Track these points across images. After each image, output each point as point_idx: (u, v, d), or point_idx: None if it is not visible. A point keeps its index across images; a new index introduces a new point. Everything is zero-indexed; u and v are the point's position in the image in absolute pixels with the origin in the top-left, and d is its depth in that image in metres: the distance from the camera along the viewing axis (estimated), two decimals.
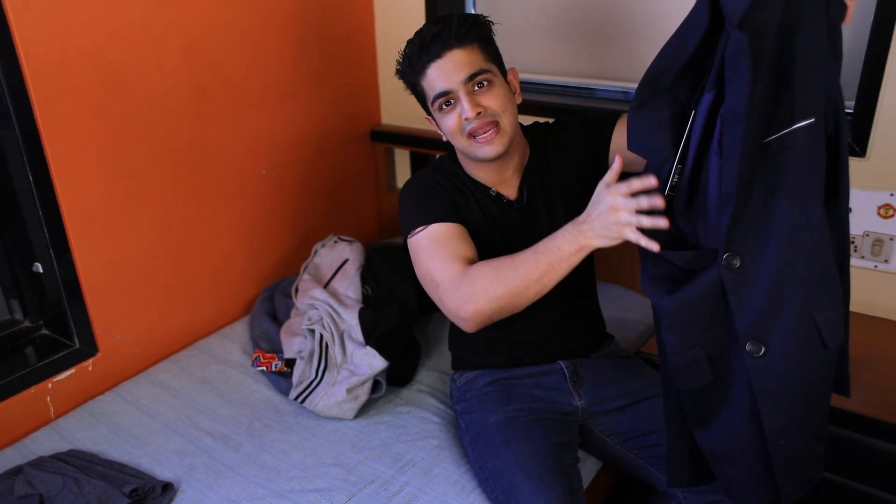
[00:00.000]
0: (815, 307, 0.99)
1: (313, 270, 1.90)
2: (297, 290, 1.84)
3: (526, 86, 2.16)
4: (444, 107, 1.30)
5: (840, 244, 1.01)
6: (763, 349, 1.00)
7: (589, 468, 1.48)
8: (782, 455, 1.06)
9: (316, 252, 1.97)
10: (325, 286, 1.80)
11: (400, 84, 1.37)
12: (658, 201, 1.02)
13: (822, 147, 0.94)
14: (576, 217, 1.17)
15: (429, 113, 1.37)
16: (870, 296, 1.72)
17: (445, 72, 1.26)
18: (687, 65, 0.97)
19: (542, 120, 1.50)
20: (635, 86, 1.03)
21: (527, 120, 1.46)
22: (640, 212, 1.04)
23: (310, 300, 1.74)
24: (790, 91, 0.92)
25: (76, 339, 1.67)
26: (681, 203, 1.02)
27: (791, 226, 0.96)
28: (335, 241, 1.97)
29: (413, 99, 1.38)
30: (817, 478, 1.12)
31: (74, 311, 1.64)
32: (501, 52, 1.35)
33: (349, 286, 1.77)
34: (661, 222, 1.02)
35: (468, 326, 1.24)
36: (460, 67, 1.26)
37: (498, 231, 1.38)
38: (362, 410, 1.59)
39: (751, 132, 0.91)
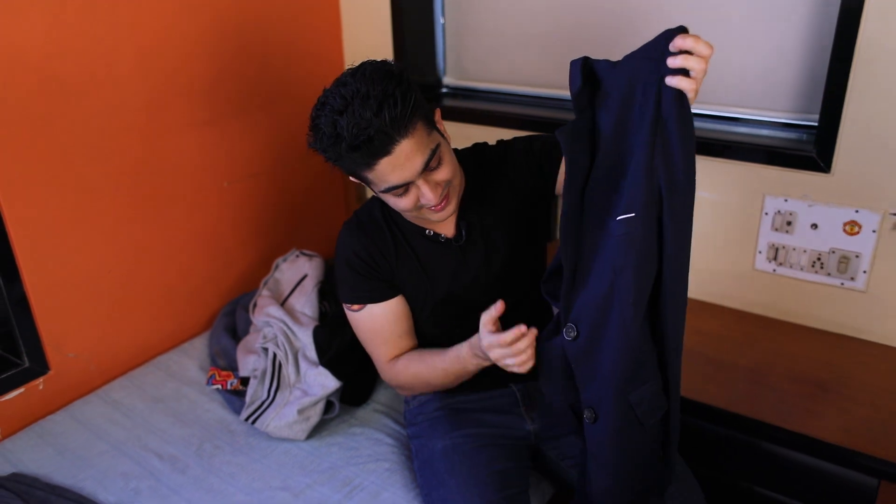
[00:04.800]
0: (630, 389, 1.05)
1: (273, 286, 1.86)
2: (254, 306, 1.80)
3: (497, 96, 2.12)
4: (397, 192, 1.17)
5: (664, 330, 1.03)
6: (595, 418, 1.09)
7: (541, 494, 1.44)
8: None
9: (277, 266, 1.93)
10: (283, 303, 1.77)
11: None
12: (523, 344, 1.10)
13: (637, 241, 0.97)
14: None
15: (363, 180, 1.20)
16: (835, 314, 1.68)
17: (398, 166, 1.12)
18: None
19: (482, 140, 1.43)
20: None
21: (491, 133, 1.37)
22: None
23: (265, 317, 1.70)
24: (623, 182, 0.98)
25: (25, 358, 1.63)
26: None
27: (618, 314, 1.00)
28: (297, 256, 1.94)
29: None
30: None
31: (23, 330, 1.60)
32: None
33: (306, 303, 1.74)
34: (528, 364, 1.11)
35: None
36: (413, 158, 1.12)
37: (432, 275, 1.33)
38: (315, 431, 1.56)
39: (570, 209, 1.02)
